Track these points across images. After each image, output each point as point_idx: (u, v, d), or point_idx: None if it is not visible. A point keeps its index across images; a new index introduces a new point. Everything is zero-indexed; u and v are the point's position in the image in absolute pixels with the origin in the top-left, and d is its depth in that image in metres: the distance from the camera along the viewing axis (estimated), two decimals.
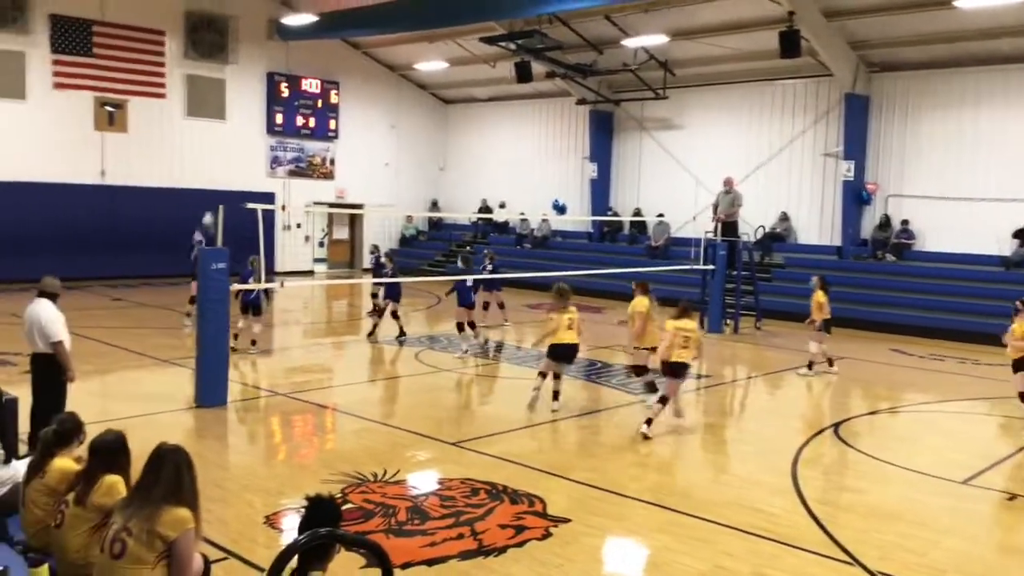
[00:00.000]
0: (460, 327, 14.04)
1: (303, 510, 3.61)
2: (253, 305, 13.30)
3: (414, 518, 6.46)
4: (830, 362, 13.16)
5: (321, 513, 3.58)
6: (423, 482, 7.45)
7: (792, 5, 17.90)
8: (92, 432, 4.77)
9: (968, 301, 17.22)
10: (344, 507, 6.57)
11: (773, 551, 6.08)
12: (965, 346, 16.24)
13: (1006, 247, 18.44)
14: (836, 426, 9.96)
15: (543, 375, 10.19)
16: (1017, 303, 10.36)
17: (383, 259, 15.69)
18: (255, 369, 12.42)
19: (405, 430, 9.17)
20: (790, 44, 18.20)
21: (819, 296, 13.00)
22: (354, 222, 28.48)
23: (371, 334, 15.00)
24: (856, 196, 20.58)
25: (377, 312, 15.31)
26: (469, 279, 14.44)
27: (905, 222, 20.00)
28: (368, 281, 17.99)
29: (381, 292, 15.57)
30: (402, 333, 14.86)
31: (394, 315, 14.90)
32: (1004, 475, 8.32)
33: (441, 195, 30.14)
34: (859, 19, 18.74)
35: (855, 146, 20.43)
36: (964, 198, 19.16)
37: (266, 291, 13.07)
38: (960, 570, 5.92)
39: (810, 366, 13.13)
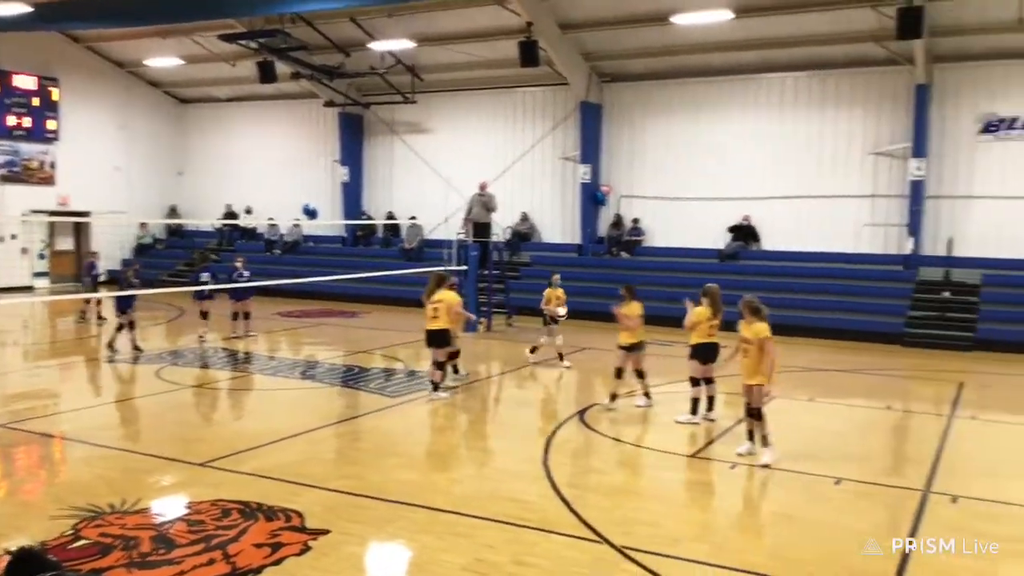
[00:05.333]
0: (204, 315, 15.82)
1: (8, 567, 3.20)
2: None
3: (159, 547, 6.02)
4: (533, 350, 14.37)
5: (28, 567, 3.19)
6: (168, 508, 6.97)
7: (530, 16, 18.77)
8: None
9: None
10: (77, 544, 6.02)
11: (531, 538, 6.35)
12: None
13: (721, 241, 20.60)
14: (581, 412, 10.59)
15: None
16: (622, 289, 11.45)
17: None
18: None
19: (146, 454, 8.53)
20: (529, 54, 19.09)
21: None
22: (80, 231, 26.01)
23: (110, 346, 14.46)
24: (592, 197, 22.00)
25: (119, 327, 14.67)
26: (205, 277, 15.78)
27: (636, 221, 21.68)
28: (96, 294, 16.63)
29: (92, 301, 16.91)
30: (136, 348, 14.42)
31: (131, 326, 14.36)
32: (725, 446, 9.24)
33: (181, 201, 28.32)
34: (590, 32, 20.06)
35: (590, 151, 21.84)
36: (685, 198, 21.13)
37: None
38: (691, 537, 6.52)
39: (533, 351, 14.35)
